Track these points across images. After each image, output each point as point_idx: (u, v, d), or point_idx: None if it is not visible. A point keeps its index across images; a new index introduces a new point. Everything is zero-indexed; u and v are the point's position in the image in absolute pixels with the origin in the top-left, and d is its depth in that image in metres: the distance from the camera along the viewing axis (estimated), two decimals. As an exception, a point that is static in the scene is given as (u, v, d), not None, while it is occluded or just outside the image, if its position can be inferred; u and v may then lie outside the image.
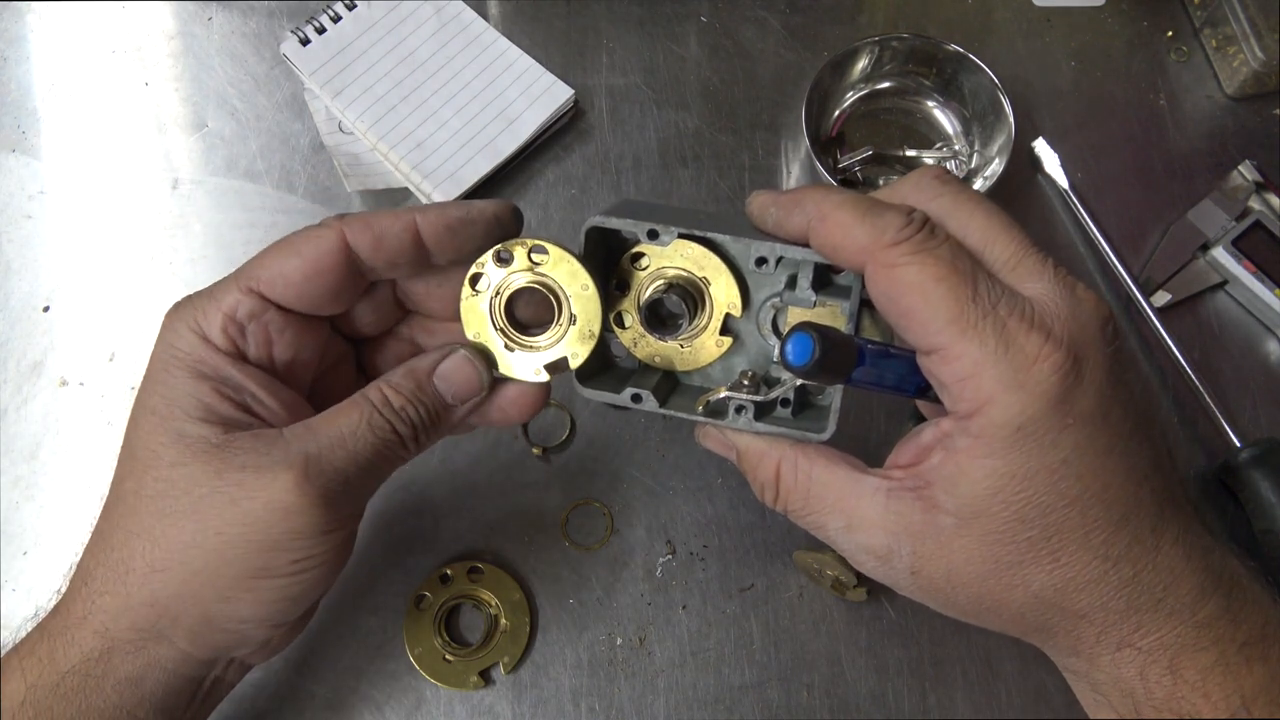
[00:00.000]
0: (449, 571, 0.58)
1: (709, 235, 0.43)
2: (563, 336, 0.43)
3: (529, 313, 0.44)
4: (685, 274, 0.44)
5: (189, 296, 0.42)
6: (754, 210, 0.42)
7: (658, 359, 0.46)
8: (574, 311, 0.43)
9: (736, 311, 0.44)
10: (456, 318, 0.44)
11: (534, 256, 0.42)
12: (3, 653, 0.43)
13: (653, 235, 0.42)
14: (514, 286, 0.43)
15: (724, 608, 0.58)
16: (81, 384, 0.62)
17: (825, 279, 0.44)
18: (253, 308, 0.41)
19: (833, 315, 0.43)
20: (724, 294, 0.44)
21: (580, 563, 0.59)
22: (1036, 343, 0.35)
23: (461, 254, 0.43)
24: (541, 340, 0.43)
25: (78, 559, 0.42)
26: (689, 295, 0.44)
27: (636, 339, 0.46)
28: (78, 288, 0.64)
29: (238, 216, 0.66)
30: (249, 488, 0.38)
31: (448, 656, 0.56)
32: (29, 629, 0.43)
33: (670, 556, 0.59)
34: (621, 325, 0.46)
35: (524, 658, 0.57)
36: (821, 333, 0.36)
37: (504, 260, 0.42)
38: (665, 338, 0.45)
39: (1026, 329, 0.35)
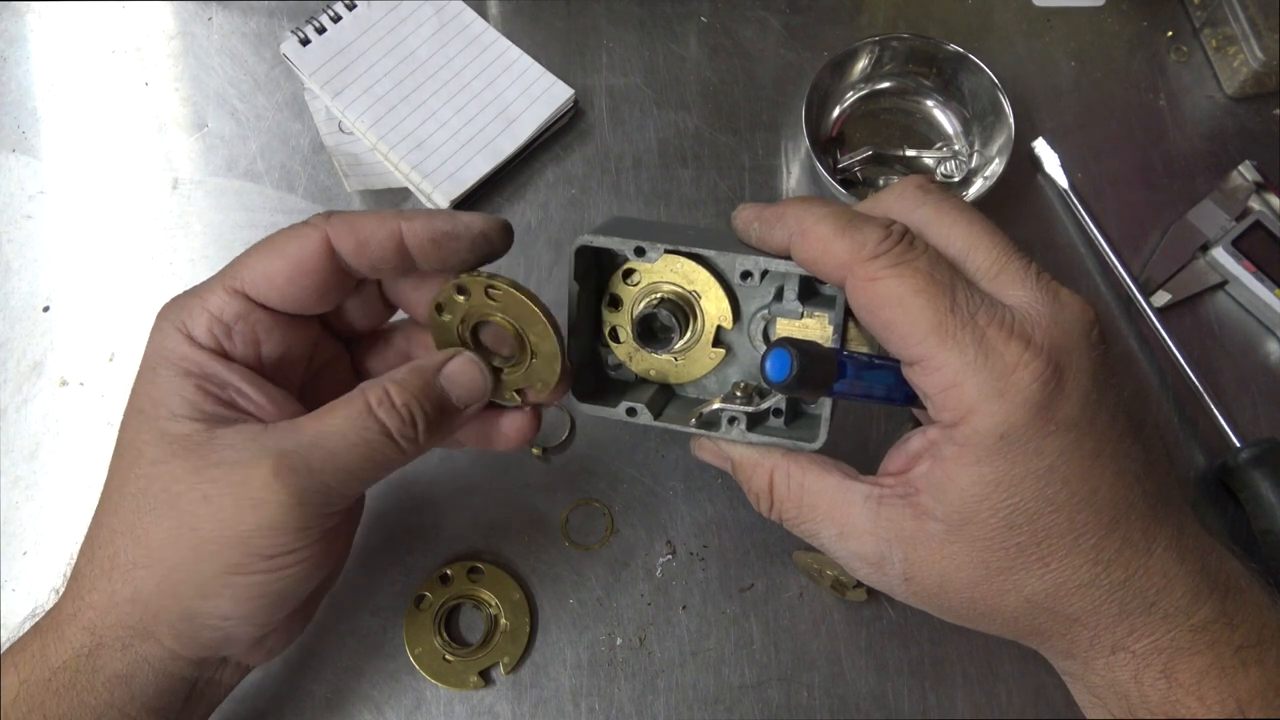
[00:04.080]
0: (449, 571, 0.58)
1: (695, 251, 0.43)
2: (527, 367, 0.44)
3: (492, 342, 0.44)
4: (676, 289, 0.45)
5: (178, 297, 0.42)
6: (739, 225, 0.43)
7: (653, 372, 0.47)
8: (533, 347, 0.43)
9: (728, 324, 0.45)
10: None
11: (490, 293, 0.42)
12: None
13: (639, 252, 0.43)
14: (477, 317, 0.43)
15: (724, 608, 0.58)
16: (81, 384, 0.62)
17: (812, 290, 0.44)
18: (239, 309, 0.41)
19: (820, 326, 0.43)
20: (715, 307, 0.45)
21: (580, 563, 0.59)
22: (1016, 351, 0.35)
23: (446, 266, 0.43)
24: (511, 367, 0.44)
25: (74, 558, 0.43)
26: (680, 309, 0.44)
27: (631, 353, 0.46)
28: (78, 288, 0.64)
29: (238, 216, 0.66)
30: (222, 484, 0.38)
31: (448, 656, 0.56)
32: (27, 627, 0.43)
33: (670, 556, 0.59)
34: (616, 340, 0.46)
35: (524, 658, 0.57)
36: (799, 348, 0.36)
37: (463, 293, 0.43)
38: (659, 351, 0.45)
39: (1006, 337, 0.36)
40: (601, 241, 0.43)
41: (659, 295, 0.45)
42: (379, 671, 0.56)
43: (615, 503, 0.60)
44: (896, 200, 0.41)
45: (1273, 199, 0.66)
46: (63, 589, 0.43)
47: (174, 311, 0.41)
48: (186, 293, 0.42)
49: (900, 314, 0.36)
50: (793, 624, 0.58)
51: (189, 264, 0.65)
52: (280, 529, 0.39)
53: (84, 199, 0.66)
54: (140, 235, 0.66)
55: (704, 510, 0.60)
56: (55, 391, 0.62)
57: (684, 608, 0.58)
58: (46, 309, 0.64)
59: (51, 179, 0.67)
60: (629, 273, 0.45)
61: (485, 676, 0.56)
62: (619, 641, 0.57)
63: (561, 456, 0.61)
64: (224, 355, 0.41)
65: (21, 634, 0.43)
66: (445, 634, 0.57)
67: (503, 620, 0.57)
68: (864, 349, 0.42)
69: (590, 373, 0.47)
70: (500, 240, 0.43)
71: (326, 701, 0.56)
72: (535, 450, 0.61)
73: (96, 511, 0.42)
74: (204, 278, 0.63)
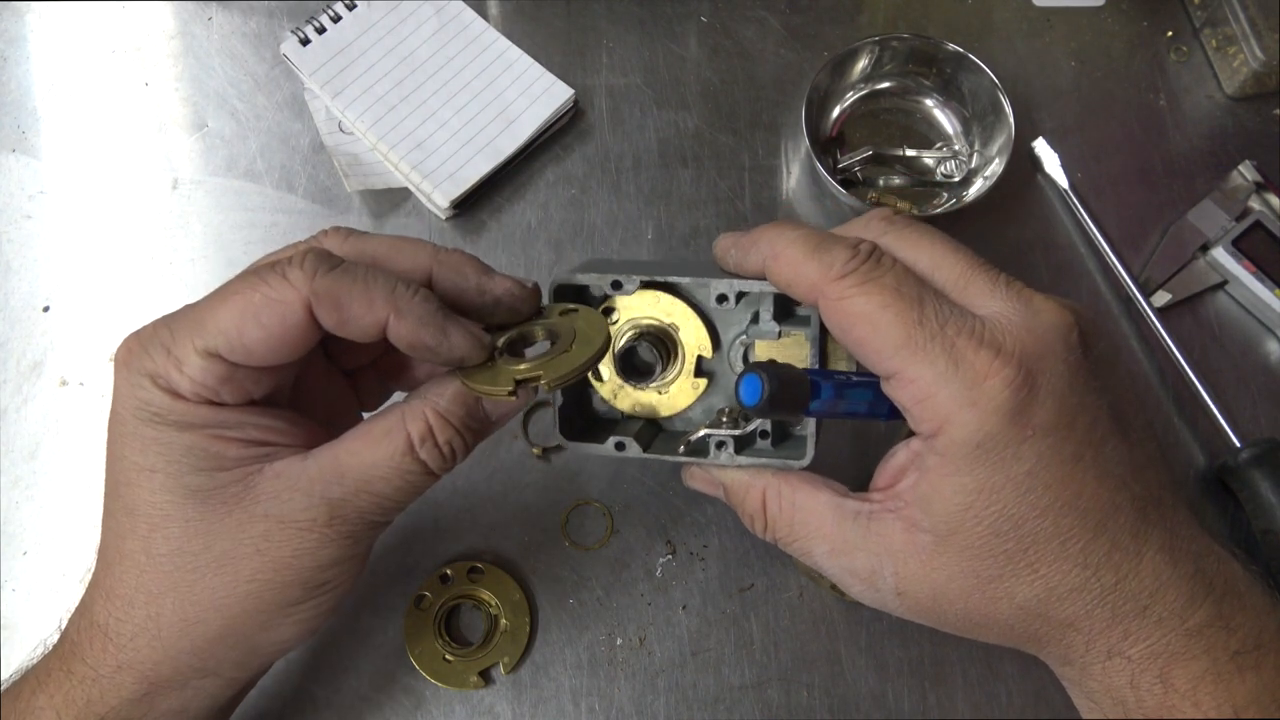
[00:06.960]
0: (449, 571, 0.58)
1: (669, 280, 0.44)
2: (549, 360, 0.43)
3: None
4: (655, 322, 0.45)
5: (142, 346, 0.39)
6: (718, 252, 0.44)
7: (639, 408, 0.47)
8: (569, 347, 0.41)
9: (708, 353, 0.45)
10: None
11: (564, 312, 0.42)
12: (4, 673, 0.43)
13: (616, 286, 0.43)
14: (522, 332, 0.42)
15: (724, 608, 0.58)
16: (81, 384, 0.62)
17: (787, 310, 0.45)
18: (220, 373, 0.38)
19: (798, 345, 0.44)
20: (694, 338, 0.45)
21: (580, 563, 0.59)
22: (986, 359, 0.36)
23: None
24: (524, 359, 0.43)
25: (75, 609, 0.42)
26: (660, 342, 0.45)
27: (616, 391, 0.47)
28: (78, 288, 0.64)
29: (238, 216, 0.66)
30: (275, 538, 0.38)
31: (448, 656, 0.56)
32: (50, 665, 0.42)
33: (670, 556, 0.59)
34: (600, 379, 0.46)
35: (524, 658, 0.57)
36: (770, 372, 0.37)
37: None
38: (642, 386, 0.46)
39: (975, 346, 0.36)
40: (579, 278, 0.44)
41: (638, 329, 0.45)
42: (379, 671, 0.56)
43: (615, 503, 0.60)
44: (862, 230, 0.42)
45: (1273, 199, 0.66)
46: (68, 627, 0.42)
47: (145, 365, 0.38)
48: (152, 344, 0.38)
49: (870, 330, 0.37)
50: (793, 624, 0.58)
51: (189, 264, 0.65)
52: (334, 562, 0.40)
53: (84, 199, 0.66)
54: (140, 235, 0.66)
55: (704, 510, 0.60)
56: (55, 391, 0.62)
57: (684, 608, 0.58)
58: (46, 309, 0.64)
59: (51, 179, 0.67)
60: (608, 311, 0.45)
61: (485, 676, 0.56)
62: (619, 641, 0.57)
63: (561, 456, 0.61)
64: (219, 404, 0.39)
65: (49, 676, 0.42)
66: (445, 634, 0.57)
67: (503, 620, 0.57)
68: (844, 366, 0.43)
69: (578, 411, 0.47)
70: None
71: (326, 701, 0.56)
72: (535, 450, 0.61)
73: (117, 570, 0.40)
74: (204, 278, 0.65)
